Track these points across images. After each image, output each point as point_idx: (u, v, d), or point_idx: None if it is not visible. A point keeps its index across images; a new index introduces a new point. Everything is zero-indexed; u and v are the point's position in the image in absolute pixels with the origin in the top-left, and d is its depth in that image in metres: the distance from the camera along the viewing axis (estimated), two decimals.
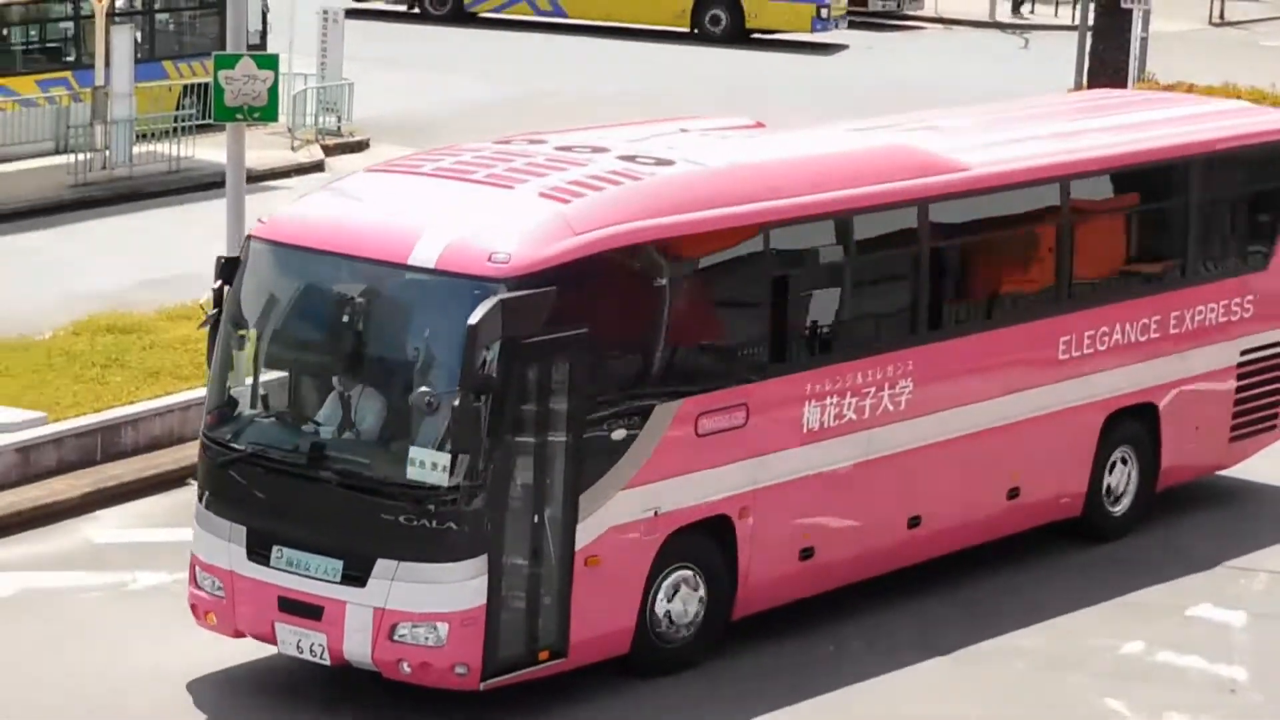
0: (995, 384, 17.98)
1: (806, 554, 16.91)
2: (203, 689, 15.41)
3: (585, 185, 15.89)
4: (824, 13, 46.98)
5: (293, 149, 34.89)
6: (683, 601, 16.11)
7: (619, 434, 15.50)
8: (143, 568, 18.15)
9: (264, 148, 32.22)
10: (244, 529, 14.99)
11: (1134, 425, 19.06)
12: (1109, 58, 35.21)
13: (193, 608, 15.30)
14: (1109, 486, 18.95)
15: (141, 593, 17.71)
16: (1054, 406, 18.29)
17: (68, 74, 34.30)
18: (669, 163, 16.56)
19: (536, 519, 15.02)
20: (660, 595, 15.96)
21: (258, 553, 14.94)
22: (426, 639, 14.65)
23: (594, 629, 15.41)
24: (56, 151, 32.90)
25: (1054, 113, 22.06)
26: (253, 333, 15.43)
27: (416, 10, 50.55)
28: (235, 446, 15.01)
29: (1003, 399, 17.97)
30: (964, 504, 17.87)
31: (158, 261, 27.92)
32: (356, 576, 14.61)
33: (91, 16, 33.24)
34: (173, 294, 25.25)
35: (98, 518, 19.48)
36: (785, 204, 16.50)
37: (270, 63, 23.26)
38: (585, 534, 15.28)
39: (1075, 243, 18.73)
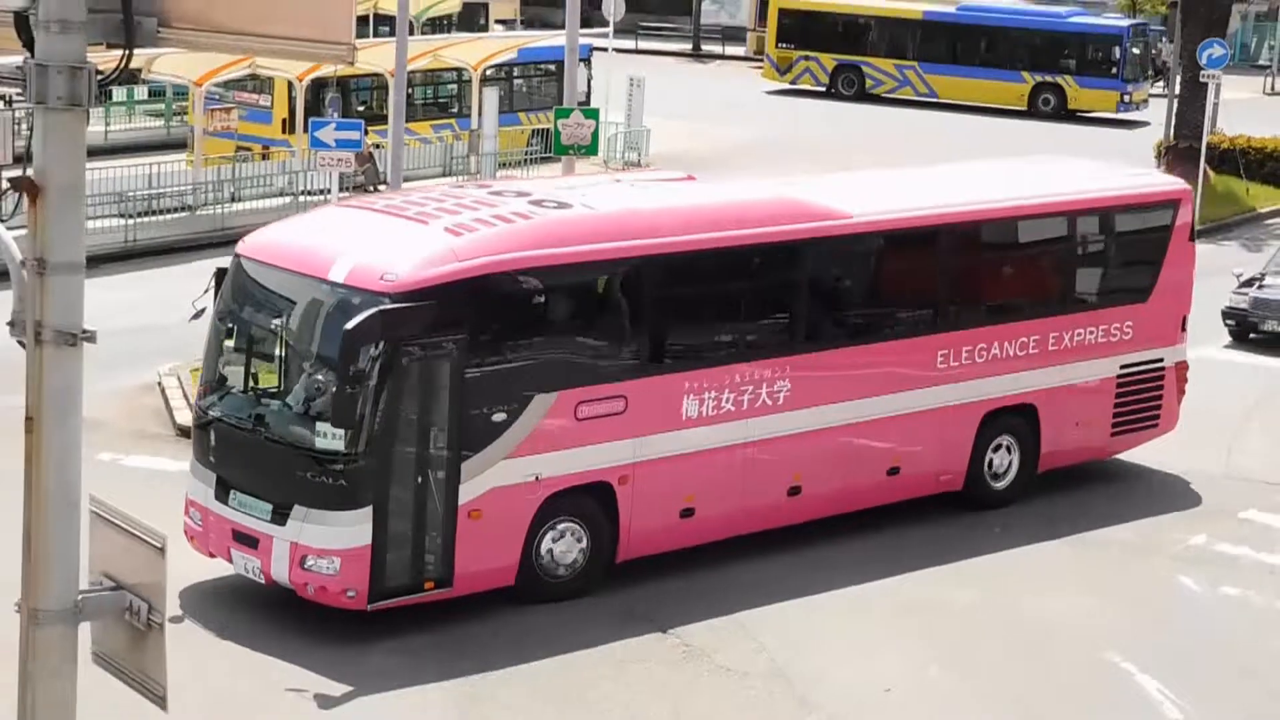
0: (876, 385, 19.17)
1: (687, 513, 18.21)
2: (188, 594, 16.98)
3: (484, 222, 17.10)
4: (1125, 98, 55.87)
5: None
6: (565, 548, 17.41)
7: (499, 417, 16.71)
8: None
9: (586, 173, 33.81)
10: (214, 475, 16.74)
11: (1014, 420, 20.38)
12: (1189, 118, 41.04)
13: (184, 533, 16.88)
14: (992, 467, 20.31)
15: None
16: (933, 405, 19.64)
17: (452, 120, 40.89)
18: (567, 206, 17.74)
19: (420, 480, 16.33)
20: (544, 541, 17.27)
21: (221, 495, 16.61)
22: (325, 569, 16.05)
23: (477, 566, 16.70)
24: (443, 175, 38.16)
25: (978, 173, 23.22)
26: (228, 326, 17.12)
27: (831, 92, 58.87)
28: (210, 413, 16.82)
29: (884, 398, 19.21)
30: (844, 478, 19.16)
31: None
32: (280, 517, 16.15)
33: (469, 80, 40.12)
34: None
35: None
36: (656, 242, 17.60)
37: (593, 114, 28.29)
38: (468, 492, 16.52)
39: (952, 277, 20.19)
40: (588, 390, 17.32)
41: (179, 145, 38.96)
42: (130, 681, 7.60)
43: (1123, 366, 21.09)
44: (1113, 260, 21.56)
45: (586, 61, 41.95)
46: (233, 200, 33.91)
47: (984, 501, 20.32)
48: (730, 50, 70.08)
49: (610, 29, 45.86)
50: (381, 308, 15.79)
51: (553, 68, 40.90)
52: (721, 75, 64.84)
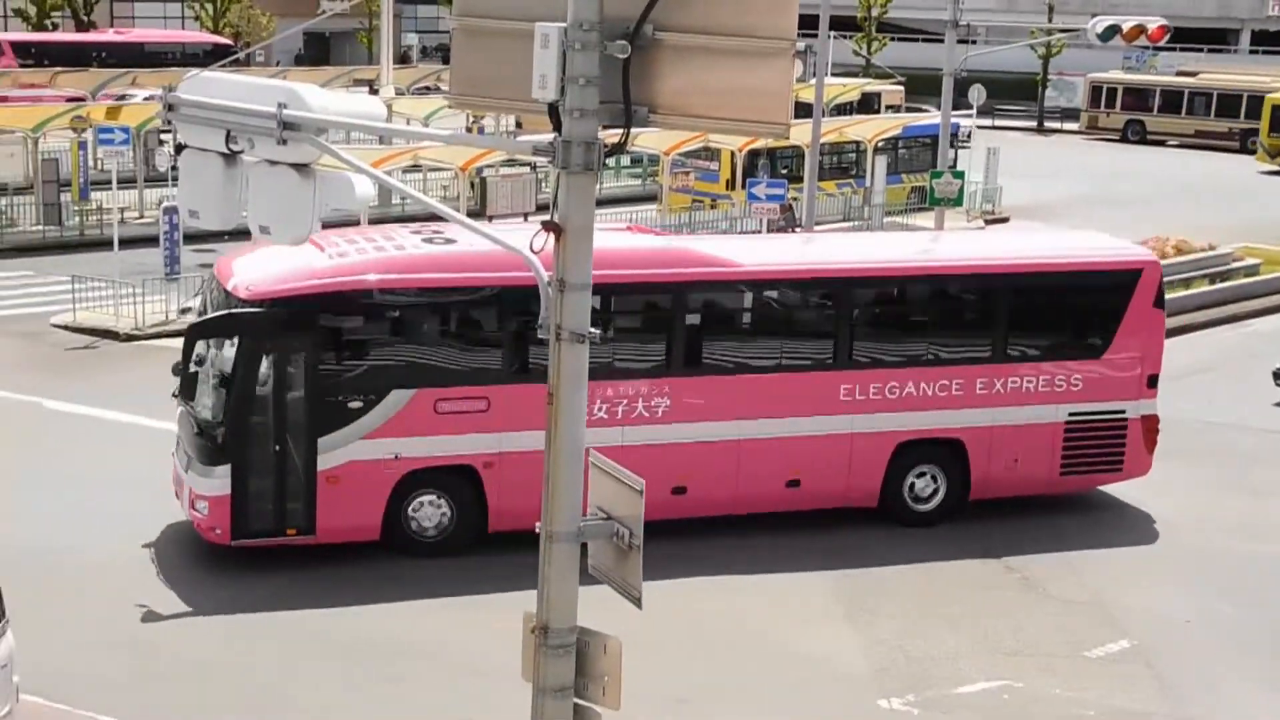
0: (768, 409, 17.39)
1: None
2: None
3: (362, 251, 16.40)
4: None
5: (968, 221, 39.10)
6: (427, 515, 16.62)
7: (356, 404, 16.04)
8: None
9: (952, 220, 34.46)
10: (180, 440, 16.66)
11: (938, 451, 18.15)
12: None
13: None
14: (914, 491, 18.23)
15: None
16: (837, 430, 17.69)
17: (851, 180, 40.89)
18: (452, 242, 16.71)
19: (278, 448, 15.84)
20: (411, 508, 16.52)
21: (179, 455, 16.64)
22: (201, 510, 15.93)
23: (339, 522, 16.11)
24: (843, 220, 38.93)
25: (941, 239, 22.02)
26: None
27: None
28: (179, 396, 16.20)
29: (782, 420, 17.46)
30: (735, 484, 17.43)
31: None
32: (187, 470, 16.18)
33: (865, 150, 40.16)
34: None
35: None
36: (514, 275, 14.81)
37: (960, 175, 28.26)
38: (327, 462, 15.94)
39: (855, 324, 17.96)
40: (449, 390, 16.39)
41: (650, 198, 40.27)
42: (614, 586, 7.79)
43: (1072, 414, 18.39)
44: (1053, 319, 18.76)
45: (956, 135, 41.31)
46: None
47: (903, 520, 18.13)
48: (1067, 126, 67.53)
49: (974, 110, 45.29)
50: (231, 310, 15.70)
51: (928, 140, 40.06)
52: (1062, 144, 62.81)
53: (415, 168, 36.16)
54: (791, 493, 17.73)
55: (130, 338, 25.68)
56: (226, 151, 7.88)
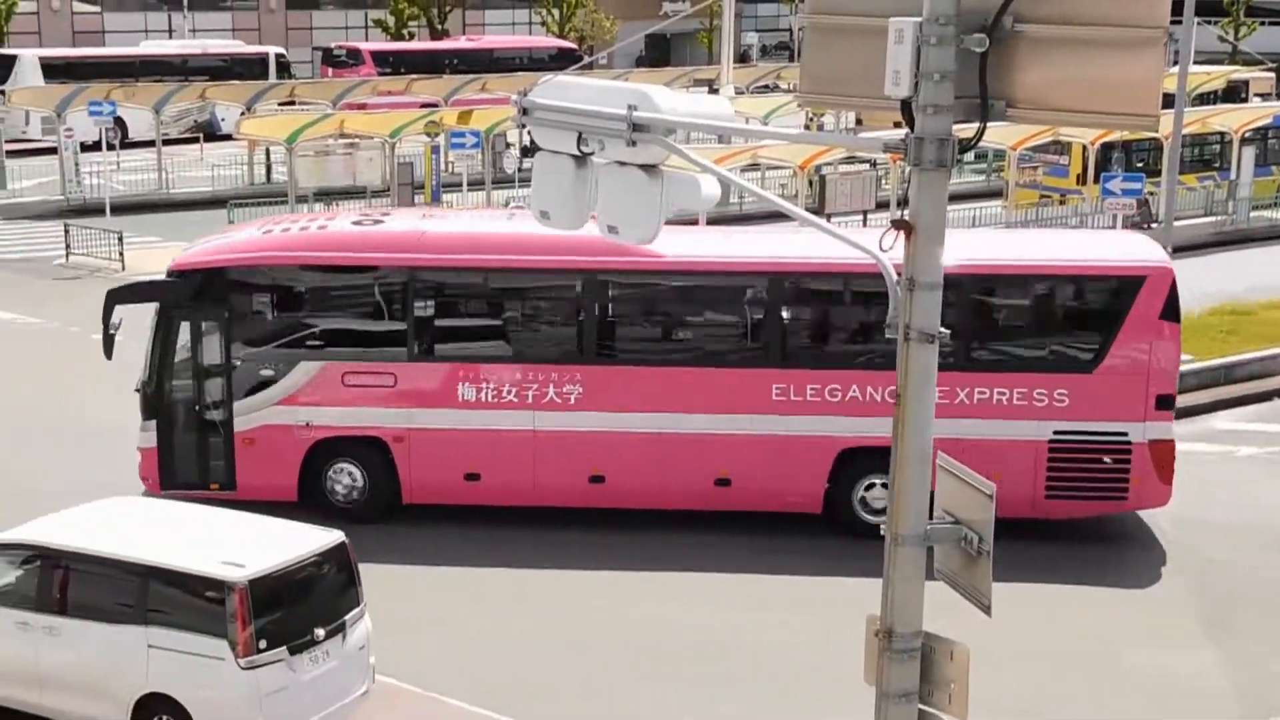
0: (693, 404, 16.92)
1: (472, 477, 17.20)
2: None
3: (286, 231, 17.74)
4: None
5: None
6: (340, 482, 17.44)
7: (267, 372, 17.16)
8: (1245, 444, 20.81)
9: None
10: None
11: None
12: None
13: None
14: (865, 501, 17.18)
15: (1244, 458, 20.34)
16: (770, 431, 16.89)
17: (1214, 173, 39.33)
18: (379, 223, 17.80)
19: (197, 409, 17.30)
20: (331, 473, 17.40)
21: None
22: (140, 461, 17.50)
23: (257, 480, 17.17)
24: (1204, 216, 37.43)
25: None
26: None
27: None
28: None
29: (707, 416, 16.93)
30: (658, 477, 17.03)
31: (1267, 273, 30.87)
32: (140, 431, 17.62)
33: (1230, 141, 38.50)
34: (1272, 294, 28.27)
35: (1219, 415, 22.20)
36: (424, 257, 16.99)
37: None
38: (243, 424, 17.19)
39: (787, 321, 17.18)
40: (356, 365, 17.13)
41: (994, 194, 39.43)
42: (962, 592, 7.67)
43: (1057, 432, 16.69)
44: (1031, 327, 17.28)
45: None
46: None
47: (855, 530, 16.93)
48: None
49: None
50: (148, 279, 18.34)
51: None
52: None
53: (754, 166, 36.44)
54: (722, 491, 17.15)
55: None
56: (577, 154, 8.09)
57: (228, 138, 48.03)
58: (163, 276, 17.58)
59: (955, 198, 38.14)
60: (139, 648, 12.02)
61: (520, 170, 40.47)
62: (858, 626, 7.75)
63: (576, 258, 16.80)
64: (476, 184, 37.52)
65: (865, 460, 16.90)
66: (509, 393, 16.99)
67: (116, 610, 12.19)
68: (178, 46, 59.49)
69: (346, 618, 12.48)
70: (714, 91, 44.13)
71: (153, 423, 17.37)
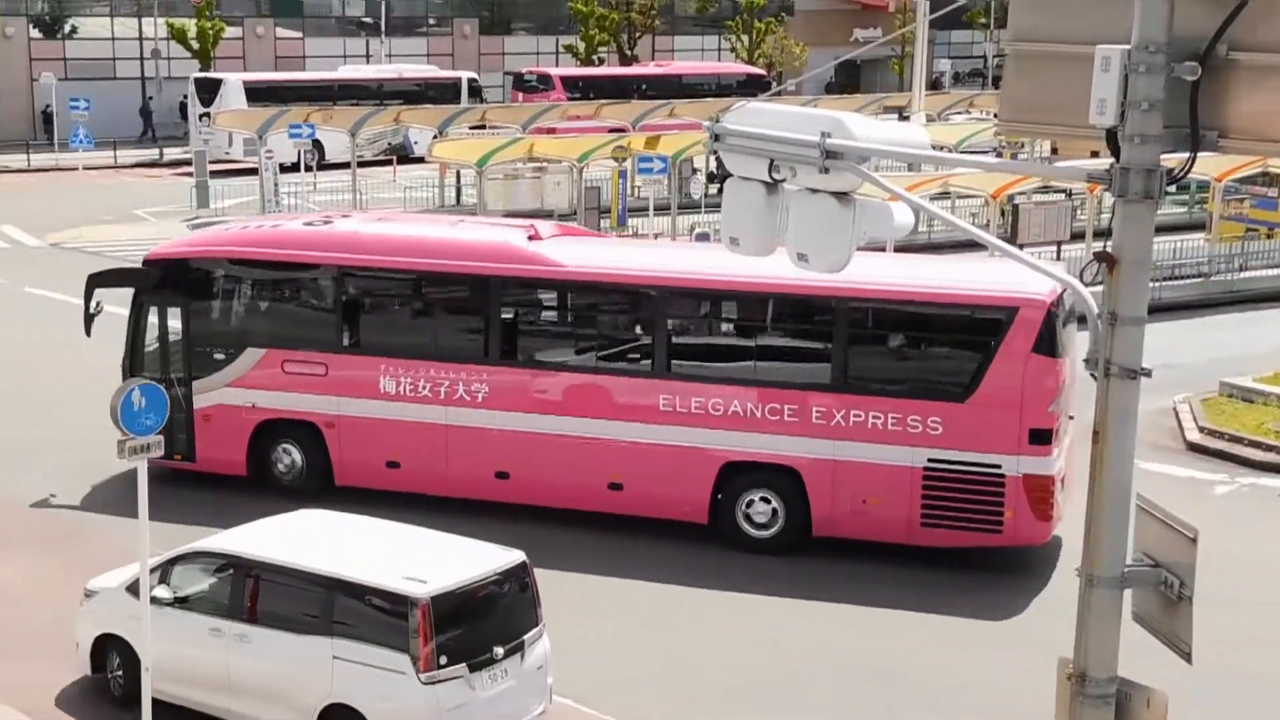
0: (588, 408, 17.69)
1: (393, 464, 18.53)
2: None
3: (245, 227, 20.36)
4: None
5: None
6: (281, 461, 19.07)
7: (219, 356, 19.04)
8: None
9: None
10: None
11: (774, 478, 17.16)
12: None
13: None
14: (748, 515, 17.37)
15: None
16: (657, 440, 17.42)
17: None
18: (328, 223, 19.70)
19: (163, 385, 17.90)
20: (272, 453, 18.98)
21: None
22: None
23: (213, 454, 19.11)
24: None
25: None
26: None
27: None
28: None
29: (601, 421, 17.62)
30: (558, 476, 17.80)
31: None
32: None
33: None
34: None
35: None
36: (350, 256, 18.58)
37: None
38: (201, 402, 19.08)
39: (675, 335, 17.77)
40: (293, 353, 18.78)
41: (1196, 226, 38.10)
42: (1161, 637, 7.44)
43: (932, 460, 16.50)
44: (905, 354, 17.19)
45: None
46: (1240, 269, 33.07)
47: (740, 543, 17.38)
48: None
49: None
50: (125, 267, 20.61)
51: None
52: None
53: (944, 194, 35.97)
54: (615, 495, 17.76)
55: None
56: (769, 180, 8.07)
57: (420, 160, 49.09)
58: (132, 266, 20.04)
59: (1156, 229, 37.29)
60: (324, 658, 12.30)
61: (706, 196, 40.58)
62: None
63: (484, 264, 18.09)
64: (662, 209, 37.73)
65: (747, 474, 17.32)
66: (424, 388, 18.28)
67: (304, 621, 12.51)
68: (374, 71, 60.97)
69: (525, 637, 12.61)
70: (904, 118, 43.71)
71: None
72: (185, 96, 57.09)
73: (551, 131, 45.41)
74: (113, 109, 58.08)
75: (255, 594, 12.80)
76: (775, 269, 17.50)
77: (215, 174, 46.64)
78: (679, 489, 17.54)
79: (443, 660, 11.92)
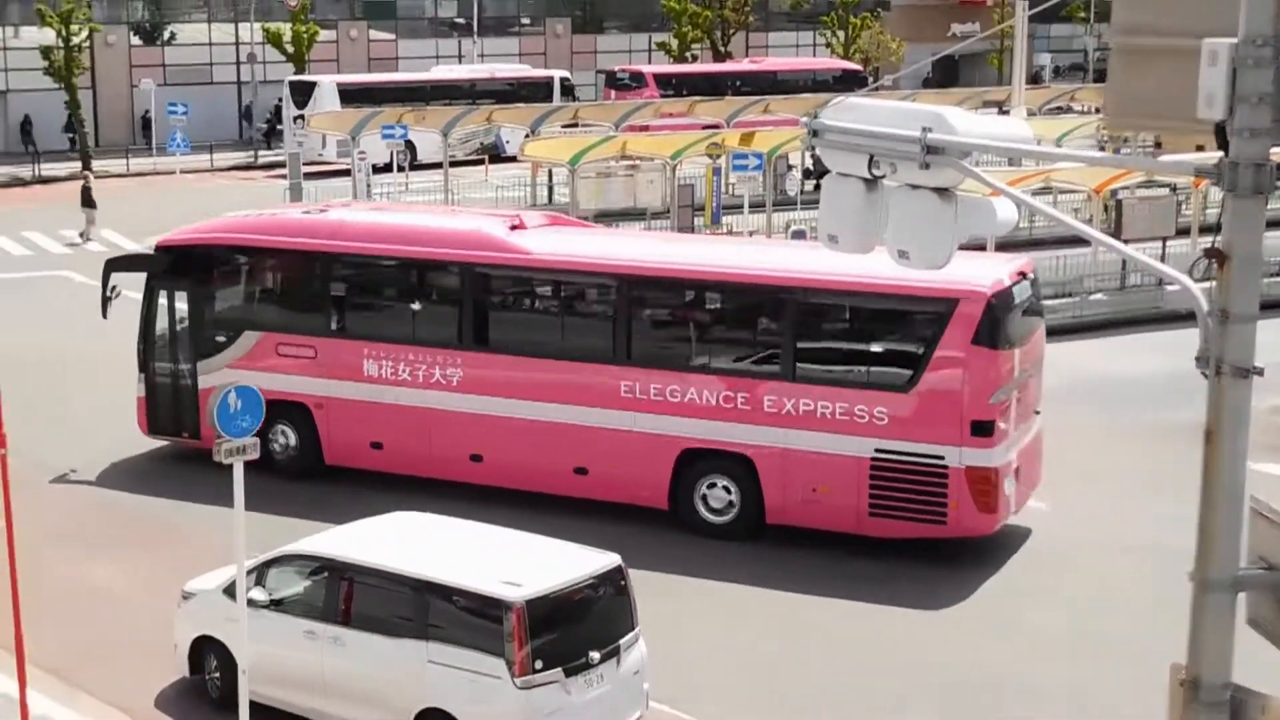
0: (554, 394, 18.36)
1: (376, 445, 19.47)
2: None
3: (247, 215, 21.60)
4: None
5: None
6: (276, 440, 19.97)
7: (221, 338, 20.17)
8: None
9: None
10: None
11: (729, 465, 17.63)
12: None
13: None
14: (706, 501, 17.91)
15: None
16: (619, 426, 18.05)
17: None
18: (324, 212, 20.82)
19: (173, 367, 20.41)
20: (269, 433, 19.59)
21: None
22: (135, 411, 20.84)
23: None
24: None
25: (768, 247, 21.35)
26: None
27: None
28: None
29: (561, 406, 18.31)
30: (527, 460, 18.42)
31: None
32: None
33: None
34: None
35: None
36: (335, 244, 19.67)
37: None
38: (205, 382, 20.00)
39: (636, 322, 18.40)
40: (283, 337, 19.92)
41: None
42: (1277, 642, 7.28)
43: (879, 450, 16.91)
44: (852, 344, 17.69)
45: None
46: None
47: (699, 529, 17.92)
48: None
49: None
50: (133, 253, 23.20)
51: None
52: None
53: (1045, 190, 35.54)
54: (580, 480, 18.39)
55: None
56: (868, 176, 8.03)
57: (512, 159, 49.38)
58: (144, 252, 21.78)
59: (1266, 225, 36.63)
60: (419, 662, 12.42)
61: (802, 192, 40.42)
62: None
63: (458, 251, 19.01)
64: (758, 206, 37.64)
65: (705, 461, 17.82)
66: (404, 371, 19.20)
67: (398, 624, 12.65)
68: (467, 71, 61.40)
69: (621, 641, 12.66)
70: (1004, 113, 43.26)
71: (142, 376, 20.54)
72: (279, 100, 57.85)
73: (645, 129, 45.49)
74: (210, 113, 59.05)
75: (349, 597, 12.95)
76: (733, 258, 18.67)
77: (309, 176, 47.21)
78: (640, 474, 18.11)
79: (538, 665, 11.99)
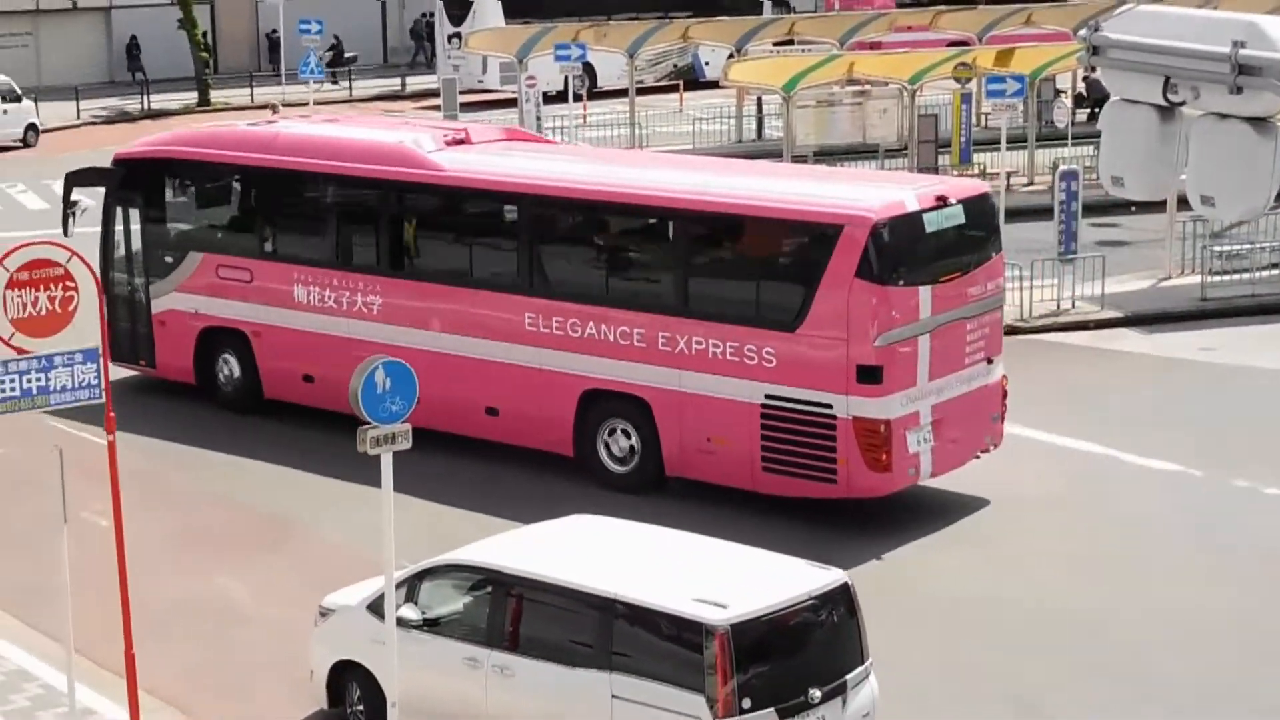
0: (463, 326, 19.99)
1: (308, 379, 21.25)
2: None
3: (202, 128, 24.49)
4: None
5: None
6: (223, 371, 22.33)
7: (169, 260, 22.47)
8: None
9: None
10: None
11: (628, 409, 18.85)
12: None
13: None
14: (608, 449, 19.27)
15: None
16: (526, 362, 19.53)
17: None
18: (272, 123, 23.51)
19: (129, 289, 22.72)
20: (217, 364, 22.24)
21: None
22: None
23: (168, 361, 22.68)
24: None
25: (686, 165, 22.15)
26: None
27: None
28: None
29: (469, 339, 19.92)
30: (441, 399, 18.96)
31: None
32: None
33: None
34: None
35: None
36: (263, 157, 21.59)
37: None
38: (157, 307, 22.51)
39: (540, 247, 19.85)
40: (221, 258, 22.05)
41: None
42: None
43: (769, 397, 17.89)
44: (738, 275, 18.75)
45: None
46: None
47: (602, 479, 19.20)
48: None
49: None
50: (93, 166, 23.51)
51: None
52: None
53: None
54: (491, 421, 19.98)
55: (1012, 330, 26.51)
56: (1164, 104, 7.96)
57: (713, 85, 49.51)
58: (108, 166, 23.18)
59: None
60: (601, 697, 12.50)
61: (1073, 124, 39.80)
62: None
63: (372, 167, 20.72)
64: (1017, 141, 37.16)
65: (609, 403, 19.07)
66: (330, 299, 21.02)
67: (576, 651, 12.75)
68: None
69: (848, 677, 12.59)
70: None
71: (103, 299, 22.37)
72: (427, 15, 58.69)
73: (876, 47, 45.25)
74: (347, 31, 60.20)
75: (518, 617, 13.08)
76: (634, 178, 19.81)
77: (466, 106, 47.88)
78: (545, 417, 19.57)
79: (746, 704, 11.96)
